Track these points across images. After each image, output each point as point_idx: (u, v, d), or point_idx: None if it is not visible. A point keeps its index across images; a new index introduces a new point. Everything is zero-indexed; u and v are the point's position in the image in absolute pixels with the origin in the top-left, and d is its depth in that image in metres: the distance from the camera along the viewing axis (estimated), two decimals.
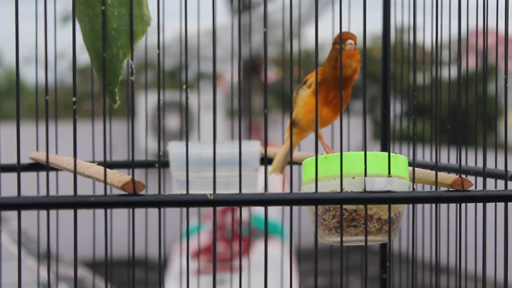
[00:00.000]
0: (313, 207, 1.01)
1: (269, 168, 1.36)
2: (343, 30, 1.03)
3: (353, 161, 1.00)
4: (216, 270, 0.96)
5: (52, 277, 2.21)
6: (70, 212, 0.91)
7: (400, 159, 1.02)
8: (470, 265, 1.29)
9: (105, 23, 0.98)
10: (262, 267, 3.52)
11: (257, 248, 4.11)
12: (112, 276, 1.48)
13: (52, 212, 0.93)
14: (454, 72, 1.35)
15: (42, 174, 1.34)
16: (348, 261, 1.68)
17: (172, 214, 1.55)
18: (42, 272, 1.97)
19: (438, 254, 1.04)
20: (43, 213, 0.94)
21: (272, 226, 4.19)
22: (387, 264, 1.49)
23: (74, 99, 0.90)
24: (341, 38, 1.00)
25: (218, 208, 2.38)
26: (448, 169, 1.29)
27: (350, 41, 1.19)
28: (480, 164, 1.20)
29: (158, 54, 0.90)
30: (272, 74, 8.46)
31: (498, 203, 1.05)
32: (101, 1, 0.96)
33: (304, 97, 1.25)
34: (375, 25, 1.61)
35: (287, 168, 1.49)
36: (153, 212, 0.95)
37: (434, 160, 1.43)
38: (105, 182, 0.93)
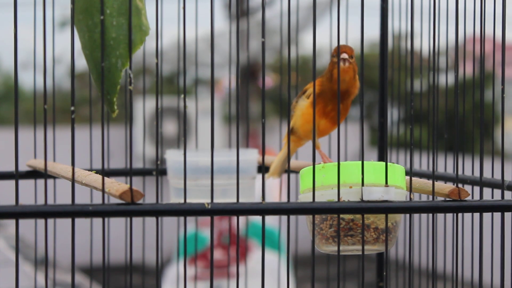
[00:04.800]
0: (310, 216, 1.01)
1: (267, 173, 1.36)
2: (341, 37, 1.03)
3: (350, 170, 1.00)
4: (213, 276, 0.96)
5: (49, 283, 2.21)
6: (68, 218, 0.92)
7: (397, 169, 1.02)
8: (466, 272, 1.29)
9: (104, 33, 0.98)
10: (259, 273, 3.53)
11: (254, 255, 4.10)
12: (109, 282, 1.48)
13: (50, 219, 0.93)
14: (451, 79, 1.36)
15: (40, 182, 1.34)
16: (345, 267, 1.68)
17: (170, 219, 1.55)
18: (39, 278, 1.97)
19: (434, 262, 1.04)
20: (40, 219, 0.94)
21: (269, 233, 4.19)
22: (384, 273, 1.49)
23: (72, 108, 0.90)
24: (339, 52, 1.00)
25: None
26: (445, 178, 1.29)
27: (344, 55, 1.19)
28: (477, 173, 1.20)
29: (157, 64, 0.91)
30: (269, 80, 8.46)
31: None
32: (100, 11, 0.96)
33: (302, 107, 1.25)
34: (371, 32, 1.61)
35: (284, 176, 1.49)
36: (150, 218, 0.95)
37: (431, 168, 1.43)
38: (103, 191, 0.93)
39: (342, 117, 1.25)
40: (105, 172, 1.37)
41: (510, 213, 1.04)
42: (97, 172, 1.06)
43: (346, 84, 1.21)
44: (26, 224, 1.44)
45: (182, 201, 0.93)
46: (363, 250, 1.00)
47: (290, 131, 1.28)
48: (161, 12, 1.38)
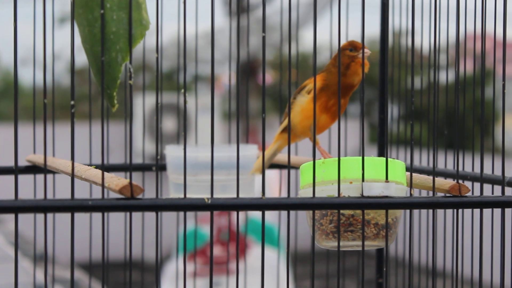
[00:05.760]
0: (311, 212, 1.01)
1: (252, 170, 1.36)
2: (341, 34, 1.03)
3: (350, 166, 1.00)
4: (212, 273, 0.96)
5: (47, 279, 2.20)
6: (67, 213, 0.91)
7: (397, 164, 1.02)
8: (466, 269, 1.29)
9: (104, 27, 0.98)
10: (258, 270, 3.54)
11: (253, 251, 4.10)
12: (108, 278, 1.48)
13: (49, 214, 0.93)
14: (451, 76, 1.36)
15: (39, 177, 1.34)
16: (344, 264, 1.68)
17: (169, 215, 1.55)
18: (37, 274, 1.97)
19: (434, 258, 1.04)
20: (39, 214, 0.94)
21: (268, 230, 4.19)
22: (384, 269, 1.49)
23: (72, 102, 0.90)
24: (339, 48, 1.00)
25: None
26: (445, 174, 1.29)
27: (367, 50, 1.19)
28: (477, 169, 1.20)
29: (157, 58, 0.90)
30: (269, 77, 8.46)
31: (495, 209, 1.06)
32: (100, 5, 0.96)
33: (302, 102, 1.25)
34: (371, 29, 1.61)
35: (284, 171, 1.49)
36: (150, 213, 0.95)
37: (431, 164, 1.43)
38: (102, 185, 0.93)
39: (341, 111, 1.25)
40: (105, 168, 1.37)
41: (511, 209, 1.04)
42: (97, 167, 1.06)
43: (359, 78, 1.22)
44: (25, 220, 1.44)
45: (181, 196, 0.93)
46: (363, 245, 1.00)
47: (286, 128, 1.28)
48: (161, 7, 1.38)
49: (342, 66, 1.21)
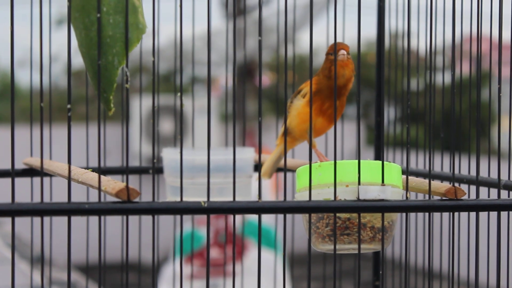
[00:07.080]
0: (307, 215, 1.01)
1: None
2: (337, 36, 1.03)
3: (346, 169, 1.00)
4: (209, 275, 0.96)
5: (45, 281, 2.20)
6: (64, 216, 0.91)
7: (393, 168, 1.02)
8: (462, 271, 1.29)
9: (101, 31, 0.98)
10: (255, 272, 3.53)
11: (250, 253, 4.11)
12: (105, 280, 1.48)
13: (46, 217, 0.93)
14: (447, 78, 1.36)
15: (36, 180, 1.34)
16: (341, 266, 1.68)
17: (166, 217, 1.55)
18: (35, 276, 1.97)
19: (431, 260, 1.04)
20: (37, 217, 0.94)
21: (265, 232, 4.19)
22: (380, 272, 1.49)
23: (69, 106, 0.90)
24: (335, 49, 1.00)
25: None
26: (441, 177, 1.29)
27: (342, 51, 1.20)
28: (473, 172, 1.20)
29: (153, 62, 0.90)
30: (266, 79, 8.46)
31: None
32: (96, 9, 0.96)
33: (298, 106, 1.25)
34: (369, 31, 1.62)
35: (281, 175, 1.49)
36: (147, 216, 0.95)
37: (427, 167, 1.43)
38: (99, 189, 0.93)
39: (338, 114, 1.26)
40: (102, 170, 1.37)
41: (506, 212, 1.04)
42: (94, 170, 1.06)
43: (346, 79, 1.22)
44: (23, 222, 1.44)
45: (178, 199, 0.93)
46: (359, 249, 1.00)
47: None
48: (158, 10, 1.38)
49: (326, 70, 1.24)
